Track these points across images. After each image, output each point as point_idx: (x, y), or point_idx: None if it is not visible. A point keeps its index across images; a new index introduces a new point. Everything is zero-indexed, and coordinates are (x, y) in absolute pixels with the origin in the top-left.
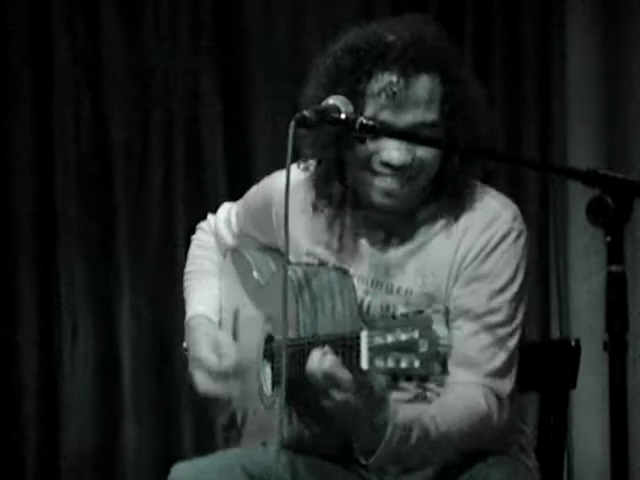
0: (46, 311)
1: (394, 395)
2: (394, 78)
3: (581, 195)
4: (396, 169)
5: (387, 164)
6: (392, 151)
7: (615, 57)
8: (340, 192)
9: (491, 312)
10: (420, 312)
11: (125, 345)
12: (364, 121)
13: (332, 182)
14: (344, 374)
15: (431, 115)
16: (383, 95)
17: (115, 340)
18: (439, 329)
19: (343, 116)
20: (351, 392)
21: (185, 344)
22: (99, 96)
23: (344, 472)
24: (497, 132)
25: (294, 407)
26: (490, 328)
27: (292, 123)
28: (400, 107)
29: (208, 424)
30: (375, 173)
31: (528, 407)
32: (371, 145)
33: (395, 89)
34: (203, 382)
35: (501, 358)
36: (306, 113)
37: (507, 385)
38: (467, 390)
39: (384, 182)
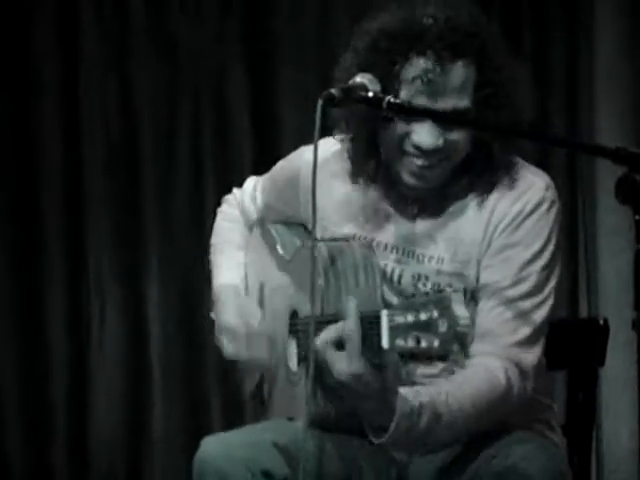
0: (75, 290)
1: (420, 370)
2: (430, 65)
3: (609, 173)
4: (426, 152)
5: (418, 147)
6: (423, 134)
7: None
8: (374, 167)
9: (520, 282)
10: (440, 291)
11: (154, 322)
12: (391, 100)
13: (367, 158)
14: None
15: (464, 102)
16: (418, 82)
17: (144, 318)
18: (458, 309)
19: (370, 94)
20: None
21: (212, 314)
22: (126, 74)
23: (371, 449)
24: (531, 113)
25: (319, 384)
26: (519, 299)
27: (320, 101)
28: (435, 94)
29: (237, 399)
30: (406, 153)
31: (557, 384)
32: (403, 127)
33: (431, 76)
34: (229, 346)
35: (527, 330)
36: (333, 91)
37: (532, 356)
38: (487, 363)
39: (414, 163)
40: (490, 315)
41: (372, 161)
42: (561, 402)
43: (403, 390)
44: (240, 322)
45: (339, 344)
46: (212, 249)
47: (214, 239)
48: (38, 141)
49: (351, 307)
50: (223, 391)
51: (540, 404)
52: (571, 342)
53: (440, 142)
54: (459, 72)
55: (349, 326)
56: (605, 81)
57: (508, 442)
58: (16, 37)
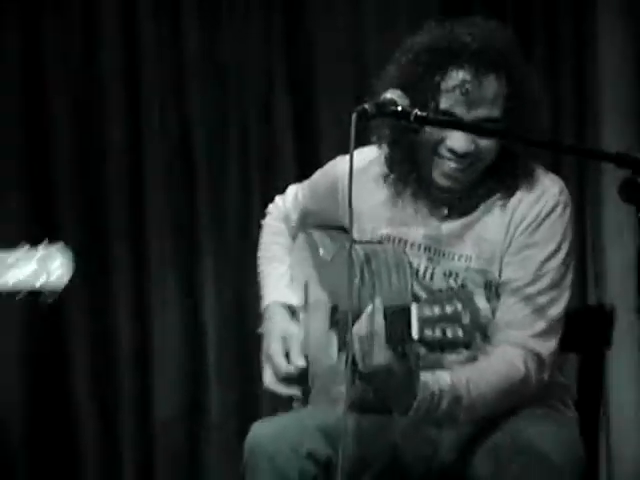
0: (139, 288)
1: (448, 357)
2: (468, 77)
3: (614, 176)
4: (459, 156)
5: (452, 150)
6: (457, 139)
7: None
8: (408, 170)
9: (538, 279)
10: (463, 287)
11: (209, 314)
12: (418, 113)
13: (403, 161)
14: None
15: (495, 112)
16: (457, 91)
17: (200, 311)
18: (480, 302)
19: (399, 108)
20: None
21: (260, 330)
22: (181, 92)
23: (408, 428)
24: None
25: (356, 370)
26: (537, 295)
27: (353, 115)
28: (471, 103)
29: None
30: (440, 156)
31: (568, 365)
32: (439, 132)
33: (468, 87)
34: (269, 379)
35: (544, 322)
36: (366, 106)
37: (549, 346)
38: (507, 352)
39: (447, 165)
40: (511, 310)
41: (407, 164)
42: (573, 381)
43: (424, 376)
44: (282, 361)
45: (369, 336)
46: (259, 262)
47: (261, 253)
48: (103, 158)
49: (376, 303)
50: None
51: (554, 382)
52: (581, 327)
53: (472, 147)
54: (492, 85)
55: (376, 320)
56: (611, 88)
57: (525, 418)
58: (81, 58)
